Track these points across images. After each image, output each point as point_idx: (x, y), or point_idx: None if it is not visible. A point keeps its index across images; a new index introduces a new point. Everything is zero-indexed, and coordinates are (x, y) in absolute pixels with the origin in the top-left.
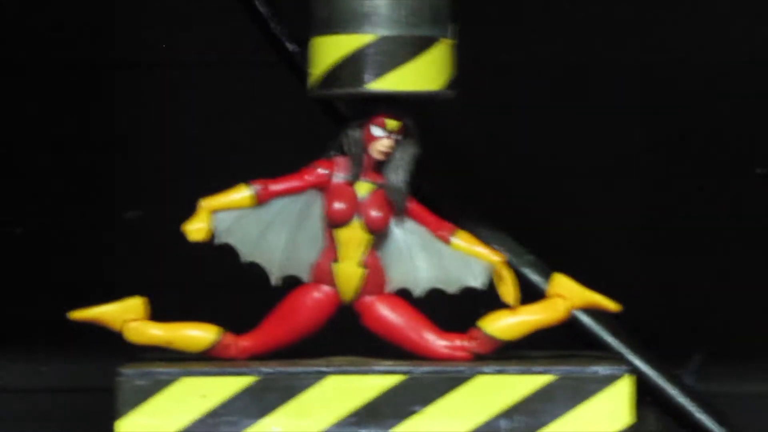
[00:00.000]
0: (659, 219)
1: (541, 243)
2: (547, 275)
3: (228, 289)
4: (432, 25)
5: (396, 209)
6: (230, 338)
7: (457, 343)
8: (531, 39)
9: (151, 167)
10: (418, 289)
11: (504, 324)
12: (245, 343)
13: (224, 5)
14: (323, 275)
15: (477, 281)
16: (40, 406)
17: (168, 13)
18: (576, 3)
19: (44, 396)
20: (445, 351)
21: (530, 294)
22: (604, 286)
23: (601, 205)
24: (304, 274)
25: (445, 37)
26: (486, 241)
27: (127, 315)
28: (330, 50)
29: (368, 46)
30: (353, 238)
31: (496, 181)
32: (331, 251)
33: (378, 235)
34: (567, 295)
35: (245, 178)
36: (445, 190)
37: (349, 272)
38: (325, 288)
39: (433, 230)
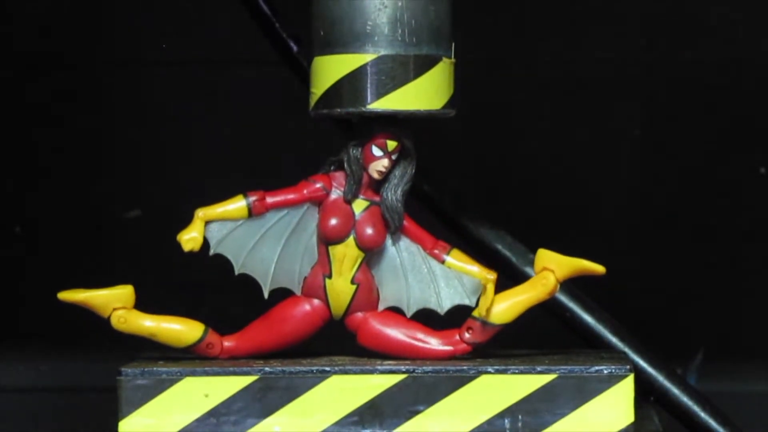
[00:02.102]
0: (661, 219)
1: (543, 243)
2: None
3: (222, 288)
4: (433, 44)
5: (391, 228)
6: (215, 337)
7: (455, 338)
8: (530, 38)
9: (152, 166)
10: (409, 309)
11: (498, 309)
12: (229, 343)
13: (226, 4)
14: (314, 289)
15: (469, 300)
16: (40, 406)
17: (169, 12)
18: (575, 3)
19: (44, 395)
20: (446, 349)
21: None
22: (605, 285)
23: (602, 205)
24: (296, 287)
25: (446, 56)
26: (487, 240)
27: (116, 303)
28: (331, 69)
29: (369, 65)
30: (347, 254)
31: (497, 181)
32: (324, 266)
33: (371, 252)
34: (554, 267)
35: (246, 178)
36: (445, 190)
37: (341, 288)
38: (315, 302)
39: (428, 249)
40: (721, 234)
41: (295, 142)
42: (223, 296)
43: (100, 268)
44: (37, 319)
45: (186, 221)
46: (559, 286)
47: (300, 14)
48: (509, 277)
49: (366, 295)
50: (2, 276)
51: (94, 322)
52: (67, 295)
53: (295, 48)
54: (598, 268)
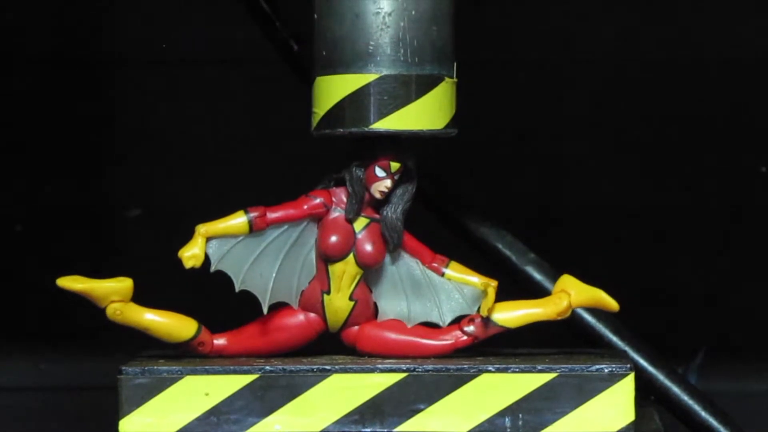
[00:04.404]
0: (661, 218)
1: (543, 242)
2: (549, 273)
3: (220, 287)
4: (435, 64)
5: (390, 246)
6: (206, 336)
7: (456, 332)
8: (531, 37)
9: (152, 166)
10: (410, 323)
11: (507, 314)
12: (219, 342)
13: (226, 4)
14: (312, 304)
15: (470, 310)
16: (40, 405)
17: (169, 11)
18: (575, 3)
19: (45, 394)
20: (447, 343)
21: (534, 292)
22: (605, 285)
23: (602, 204)
24: (293, 301)
25: (448, 76)
26: (487, 240)
27: (114, 295)
28: (333, 89)
29: (371, 85)
30: (346, 271)
31: (497, 181)
32: (322, 282)
33: (371, 269)
34: (571, 292)
35: (246, 177)
36: (445, 190)
37: (339, 304)
38: (311, 314)
39: (427, 263)
40: (721, 233)
41: (295, 142)
42: (222, 295)
43: (100, 266)
44: (38, 318)
45: (185, 220)
46: (571, 310)
47: (300, 14)
48: (509, 276)
49: (363, 310)
50: (2, 275)
51: (95, 321)
52: (66, 283)
53: (295, 48)
54: (613, 304)
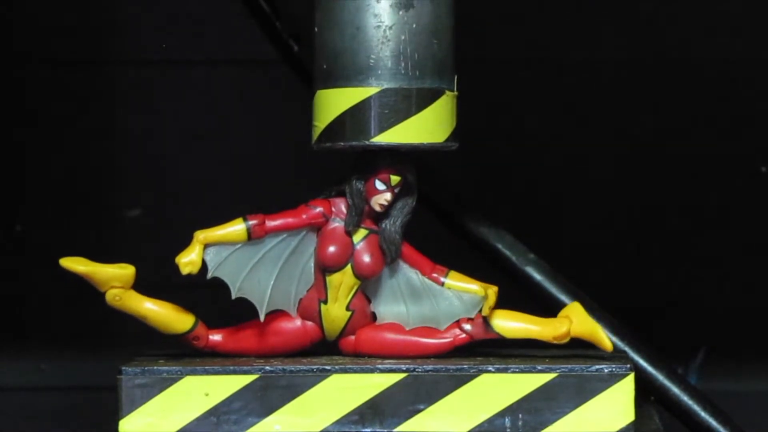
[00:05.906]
0: (661, 218)
1: (543, 242)
2: (549, 274)
3: (220, 286)
4: (436, 77)
5: (387, 258)
6: (202, 330)
7: (454, 330)
8: (531, 37)
9: (152, 166)
10: (409, 327)
11: (506, 323)
12: (216, 338)
13: (226, 4)
14: (309, 313)
15: (471, 315)
16: (40, 405)
17: (169, 12)
18: (573, 2)
19: (45, 395)
20: (445, 341)
21: (533, 293)
22: (605, 286)
23: (601, 204)
24: (291, 309)
25: (448, 89)
26: (487, 240)
27: (115, 281)
28: (334, 103)
29: (372, 99)
30: (344, 282)
31: (497, 180)
32: (320, 291)
33: (368, 280)
34: (574, 320)
35: (246, 177)
36: (445, 190)
37: (336, 314)
38: (309, 323)
39: (426, 273)
40: (721, 233)
41: (295, 142)
42: (221, 295)
43: None
44: (38, 318)
45: (185, 220)
46: (569, 337)
47: (300, 14)
48: (509, 276)
49: (360, 320)
50: (3, 275)
51: (95, 321)
52: (69, 263)
53: (295, 48)
54: (607, 345)
